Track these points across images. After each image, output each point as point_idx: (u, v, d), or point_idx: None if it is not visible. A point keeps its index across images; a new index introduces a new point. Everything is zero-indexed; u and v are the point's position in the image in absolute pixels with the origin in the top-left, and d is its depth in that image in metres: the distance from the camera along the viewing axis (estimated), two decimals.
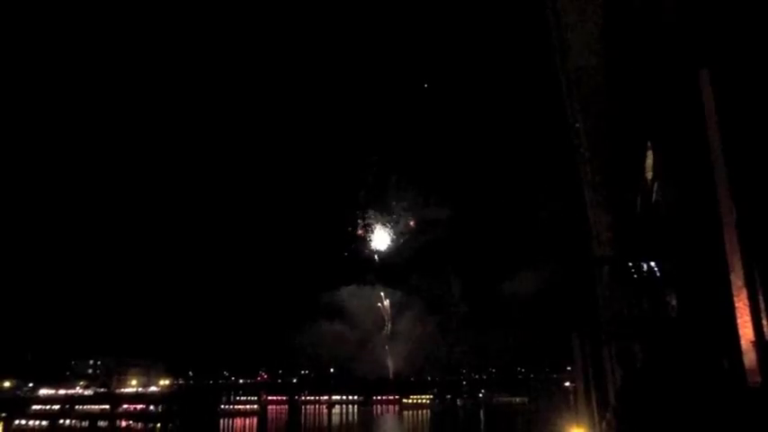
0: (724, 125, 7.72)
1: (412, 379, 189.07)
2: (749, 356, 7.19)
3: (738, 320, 7.25)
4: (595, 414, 26.32)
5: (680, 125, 8.87)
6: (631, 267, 14.08)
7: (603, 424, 22.07)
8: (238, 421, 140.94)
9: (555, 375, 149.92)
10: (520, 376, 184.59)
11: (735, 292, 7.27)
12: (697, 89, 7.99)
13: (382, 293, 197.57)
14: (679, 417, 8.73)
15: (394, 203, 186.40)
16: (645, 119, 12.06)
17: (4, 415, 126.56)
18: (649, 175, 14.26)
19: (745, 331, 7.20)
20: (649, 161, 13.83)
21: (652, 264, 13.55)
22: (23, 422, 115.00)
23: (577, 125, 15.77)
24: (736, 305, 7.27)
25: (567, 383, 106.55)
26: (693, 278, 8.87)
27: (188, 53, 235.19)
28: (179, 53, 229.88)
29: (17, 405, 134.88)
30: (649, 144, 13.22)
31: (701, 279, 8.36)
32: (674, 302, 11.61)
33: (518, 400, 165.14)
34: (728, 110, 7.70)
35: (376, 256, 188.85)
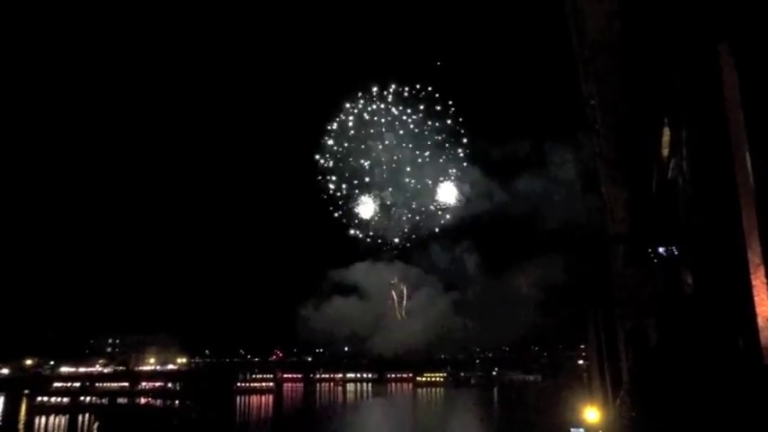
0: (743, 100, 7.57)
1: (426, 357, 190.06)
2: (766, 334, 7.14)
3: (755, 298, 7.19)
4: (609, 392, 26.39)
5: (697, 101, 8.71)
6: (647, 245, 13.97)
7: (617, 402, 22.12)
8: (254, 399, 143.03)
9: (569, 353, 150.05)
10: (532, 354, 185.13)
11: (752, 270, 7.21)
12: (715, 64, 7.83)
13: (397, 272, 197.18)
14: (694, 395, 8.72)
15: (411, 182, 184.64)
16: (661, 95, 11.87)
17: (26, 392, 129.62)
18: (666, 151, 14.07)
19: (762, 309, 7.15)
20: (666, 138, 13.63)
21: (668, 241, 13.45)
22: (45, 399, 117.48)
23: (593, 102, 15.57)
24: (753, 283, 7.21)
25: (581, 362, 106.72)
26: (710, 256, 8.79)
27: (187, 53, 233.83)
28: (178, 53, 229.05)
29: (39, 382, 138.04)
30: (666, 120, 13.02)
31: (718, 257, 8.28)
32: (690, 280, 11.52)
33: (531, 378, 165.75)
34: (747, 84, 7.55)
35: (390, 233, 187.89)
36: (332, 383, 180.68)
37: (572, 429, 34.29)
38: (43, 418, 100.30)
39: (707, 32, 7.99)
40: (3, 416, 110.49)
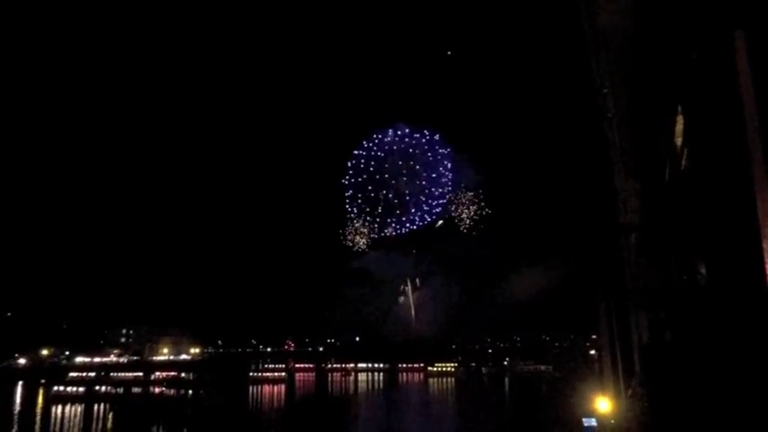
0: (758, 88, 7.46)
1: (437, 347, 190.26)
2: None
3: None
4: (621, 382, 26.32)
5: (712, 89, 8.60)
6: (660, 235, 13.85)
7: (629, 392, 22.07)
8: (267, 388, 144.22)
9: (580, 343, 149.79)
10: (544, 344, 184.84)
11: (766, 260, 7.13)
12: (731, 51, 7.72)
13: (409, 261, 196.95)
14: (708, 386, 8.67)
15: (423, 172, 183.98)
16: (675, 82, 11.71)
17: (43, 381, 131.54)
18: (679, 140, 13.90)
19: None
20: (679, 127, 13.47)
21: (681, 232, 13.32)
22: (61, 388, 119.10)
23: (605, 90, 15.42)
24: None
25: (593, 352, 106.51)
26: (724, 246, 8.70)
27: (188, 53, 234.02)
28: (178, 53, 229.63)
29: (55, 372, 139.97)
30: (680, 109, 12.86)
31: (732, 247, 8.19)
32: (703, 271, 11.42)
33: (543, 368, 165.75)
34: (763, 72, 7.44)
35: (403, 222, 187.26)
36: (343, 373, 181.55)
37: (584, 420, 34.31)
38: (59, 407, 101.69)
39: (723, 20, 7.87)
40: (21, 405, 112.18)
